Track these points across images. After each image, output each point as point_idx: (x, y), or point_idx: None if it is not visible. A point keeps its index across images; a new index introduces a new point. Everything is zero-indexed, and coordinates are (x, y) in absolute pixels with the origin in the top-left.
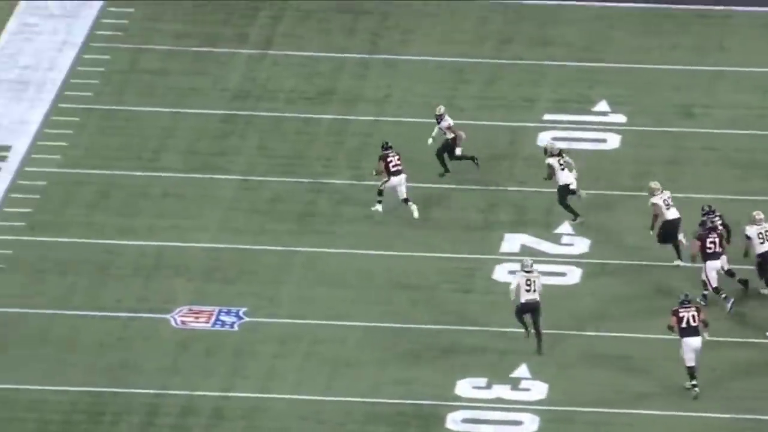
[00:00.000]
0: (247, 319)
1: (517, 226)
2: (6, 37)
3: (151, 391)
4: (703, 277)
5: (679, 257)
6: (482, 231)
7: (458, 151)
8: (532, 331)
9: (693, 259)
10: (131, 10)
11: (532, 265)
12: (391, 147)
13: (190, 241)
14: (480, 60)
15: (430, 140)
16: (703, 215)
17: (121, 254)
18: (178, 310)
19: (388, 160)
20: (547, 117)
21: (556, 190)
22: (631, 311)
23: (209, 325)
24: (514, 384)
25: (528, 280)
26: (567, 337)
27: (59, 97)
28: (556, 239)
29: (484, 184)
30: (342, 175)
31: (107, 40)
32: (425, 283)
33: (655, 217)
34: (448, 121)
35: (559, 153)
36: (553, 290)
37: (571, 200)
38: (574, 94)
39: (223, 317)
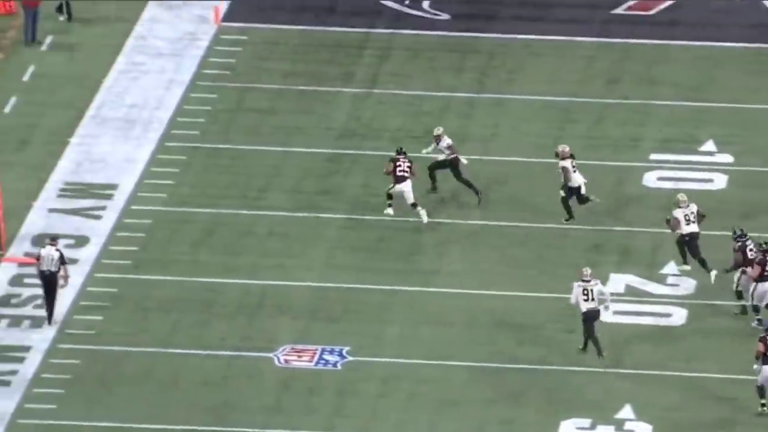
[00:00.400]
0: (350, 358)
1: (622, 266)
2: (113, 76)
3: (254, 430)
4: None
5: (686, 262)
6: None
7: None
8: (584, 347)
9: (753, 282)
10: (239, 49)
11: (590, 275)
12: (404, 153)
13: (295, 280)
14: (587, 99)
15: (425, 150)
16: (735, 238)
17: (225, 293)
18: (281, 348)
19: (397, 164)
20: (653, 157)
21: (561, 189)
22: (737, 352)
23: (312, 364)
24: (618, 425)
25: (585, 289)
26: (672, 378)
27: (165, 136)
28: (661, 279)
29: (589, 223)
30: (448, 214)
31: (214, 79)
32: (530, 322)
33: (674, 228)
34: (446, 141)
35: (571, 156)
36: (658, 331)
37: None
38: (681, 134)
39: (326, 356)
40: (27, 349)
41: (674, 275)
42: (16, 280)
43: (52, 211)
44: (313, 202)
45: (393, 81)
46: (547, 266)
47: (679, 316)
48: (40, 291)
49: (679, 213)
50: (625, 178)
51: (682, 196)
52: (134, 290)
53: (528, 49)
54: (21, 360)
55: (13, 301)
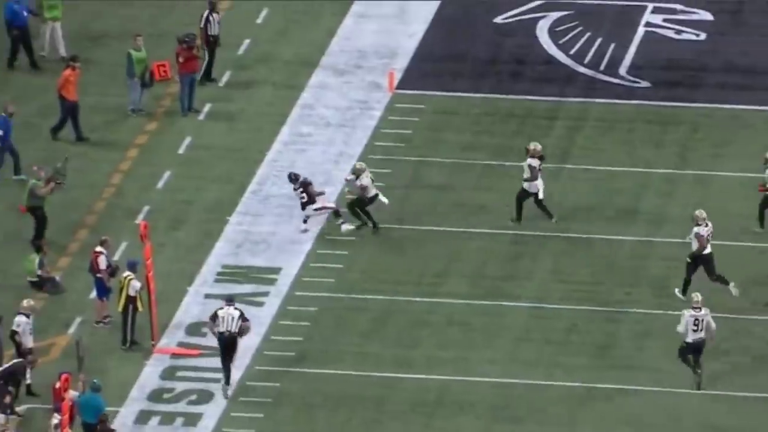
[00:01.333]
0: None
1: None
2: (277, 148)
3: None
4: None
5: (684, 293)
6: None
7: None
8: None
9: None
10: (415, 118)
11: (701, 302)
12: (296, 179)
13: (476, 375)
14: None
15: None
16: None
17: (399, 388)
18: None
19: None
20: None
21: (517, 193)
22: None
23: None
24: None
25: (696, 319)
26: None
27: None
28: None
29: None
30: (646, 304)
31: (387, 152)
32: (740, 426)
33: (699, 246)
34: (363, 180)
35: (541, 157)
36: None
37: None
38: None
39: None
40: None
41: None
42: (169, 373)
43: (208, 296)
44: (496, 288)
45: (585, 155)
46: (761, 364)
47: None
48: (194, 385)
49: (703, 231)
50: None
51: (701, 213)
52: (298, 385)
53: (736, 121)
54: None
55: (165, 396)
